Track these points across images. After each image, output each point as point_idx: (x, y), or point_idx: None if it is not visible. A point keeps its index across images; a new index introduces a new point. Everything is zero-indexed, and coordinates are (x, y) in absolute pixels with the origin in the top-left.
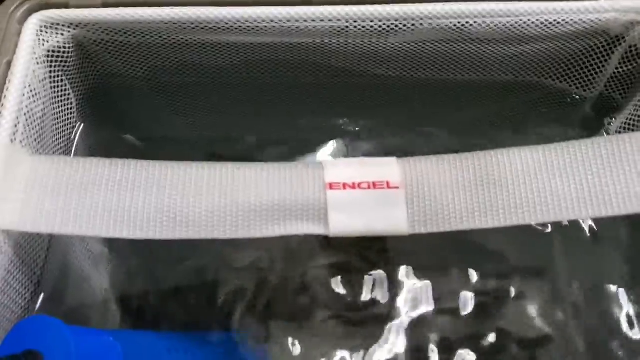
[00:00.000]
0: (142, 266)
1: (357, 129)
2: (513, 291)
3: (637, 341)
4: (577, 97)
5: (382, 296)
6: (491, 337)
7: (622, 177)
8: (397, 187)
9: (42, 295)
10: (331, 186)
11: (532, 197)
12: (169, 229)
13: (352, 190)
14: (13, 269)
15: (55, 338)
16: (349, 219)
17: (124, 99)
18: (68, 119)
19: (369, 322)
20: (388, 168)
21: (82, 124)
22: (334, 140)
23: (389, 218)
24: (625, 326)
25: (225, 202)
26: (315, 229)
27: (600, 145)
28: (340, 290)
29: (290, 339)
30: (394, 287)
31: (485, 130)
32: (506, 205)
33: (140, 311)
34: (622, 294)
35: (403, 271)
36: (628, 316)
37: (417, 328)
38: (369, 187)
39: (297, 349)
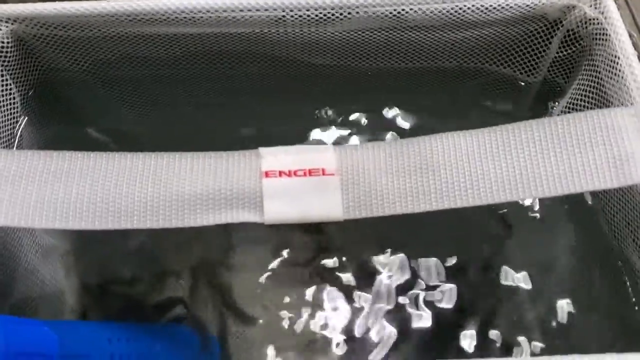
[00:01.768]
0: (94, 258)
1: (300, 117)
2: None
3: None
4: (522, 82)
5: None
6: None
7: (552, 158)
8: (332, 174)
9: None
10: (267, 174)
11: (463, 180)
12: (102, 219)
13: (287, 178)
14: None
15: None
16: (283, 206)
17: (70, 93)
18: (10, 113)
19: None
20: (324, 155)
21: (27, 118)
22: (279, 129)
23: (324, 204)
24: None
25: (158, 191)
26: (250, 217)
27: (532, 128)
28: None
29: (238, 328)
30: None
31: (430, 117)
32: (438, 189)
33: (92, 302)
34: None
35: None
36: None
37: None
38: (304, 175)
39: (245, 337)
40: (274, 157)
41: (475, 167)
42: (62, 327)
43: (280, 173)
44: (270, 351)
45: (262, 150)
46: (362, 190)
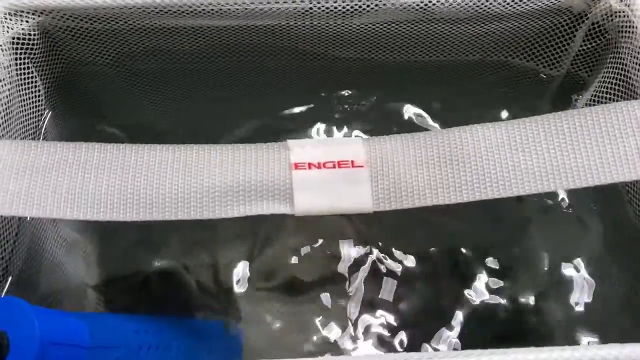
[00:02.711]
0: (116, 252)
1: (325, 111)
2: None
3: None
4: (545, 75)
5: None
6: None
7: (582, 150)
8: (361, 166)
9: (9, 280)
10: (296, 166)
11: (494, 172)
12: (132, 210)
13: (317, 170)
14: None
15: (19, 318)
16: (314, 198)
17: (93, 86)
18: (36, 107)
19: None
20: (353, 147)
21: (51, 112)
22: (303, 123)
23: (353, 196)
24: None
25: (189, 183)
26: (281, 209)
27: (562, 120)
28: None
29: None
30: None
31: (454, 110)
32: (469, 181)
33: (116, 296)
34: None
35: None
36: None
37: None
38: (334, 167)
39: (271, 329)
40: (302, 149)
41: (506, 158)
42: (92, 318)
43: (310, 165)
44: (293, 338)
45: (291, 142)
46: (392, 182)
